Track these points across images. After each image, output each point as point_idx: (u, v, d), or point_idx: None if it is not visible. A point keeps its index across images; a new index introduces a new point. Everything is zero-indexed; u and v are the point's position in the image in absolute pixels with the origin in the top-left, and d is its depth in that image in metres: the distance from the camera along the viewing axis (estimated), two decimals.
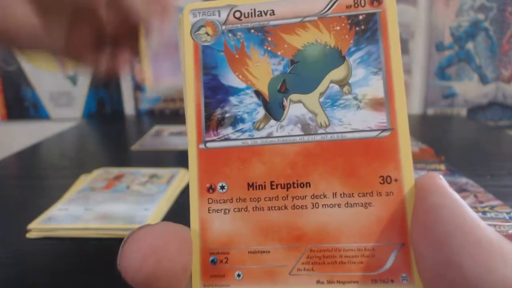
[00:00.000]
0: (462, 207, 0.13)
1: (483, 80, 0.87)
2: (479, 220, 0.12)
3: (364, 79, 0.15)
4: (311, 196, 0.15)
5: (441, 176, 0.14)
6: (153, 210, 0.39)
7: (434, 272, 0.13)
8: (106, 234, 0.35)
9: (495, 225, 0.33)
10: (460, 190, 0.41)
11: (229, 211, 0.15)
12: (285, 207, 0.15)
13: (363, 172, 0.15)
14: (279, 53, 0.16)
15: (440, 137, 0.68)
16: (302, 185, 0.15)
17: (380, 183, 0.15)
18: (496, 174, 0.47)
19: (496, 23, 0.84)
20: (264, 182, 0.15)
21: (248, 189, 0.15)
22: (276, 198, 0.15)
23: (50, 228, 0.36)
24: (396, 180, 0.14)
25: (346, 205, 0.15)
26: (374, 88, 0.15)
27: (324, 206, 0.15)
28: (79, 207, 0.40)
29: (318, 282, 0.14)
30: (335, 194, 0.15)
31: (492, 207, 0.37)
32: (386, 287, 0.14)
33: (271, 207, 0.15)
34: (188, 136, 0.16)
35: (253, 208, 0.15)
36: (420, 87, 0.88)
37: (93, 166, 0.52)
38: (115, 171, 0.51)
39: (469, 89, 0.87)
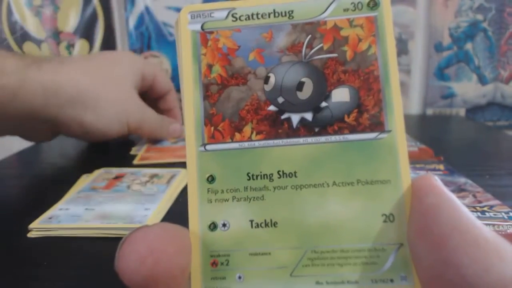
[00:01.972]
0: (458, 207, 0.13)
1: (482, 80, 0.87)
2: (475, 219, 0.13)
3: None
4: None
5: (436, 177, 0.14)
6: (154, 210, 0.40)
7: (432, 272, 0.13)
8: (106, 234, 0.36)
9: (493, 225, 0.33)
10: (459, 190, 0.41)
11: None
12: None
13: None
14: None
15: (439, 137, 0.68)
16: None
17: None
18: (495, 174, 0.47)
19: (495, 24, 0.84)
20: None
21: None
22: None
23: (51, 227, 0.37)
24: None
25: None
26: None
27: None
28: (80, 206, 0.41)
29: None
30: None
31: (491, 207, 0.37)
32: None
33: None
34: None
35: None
36: (419, 87, 0.88)
37: (94, 166, 0.52)
38: (115, 171, 0.51)
39: (468, 89, 0.87)
